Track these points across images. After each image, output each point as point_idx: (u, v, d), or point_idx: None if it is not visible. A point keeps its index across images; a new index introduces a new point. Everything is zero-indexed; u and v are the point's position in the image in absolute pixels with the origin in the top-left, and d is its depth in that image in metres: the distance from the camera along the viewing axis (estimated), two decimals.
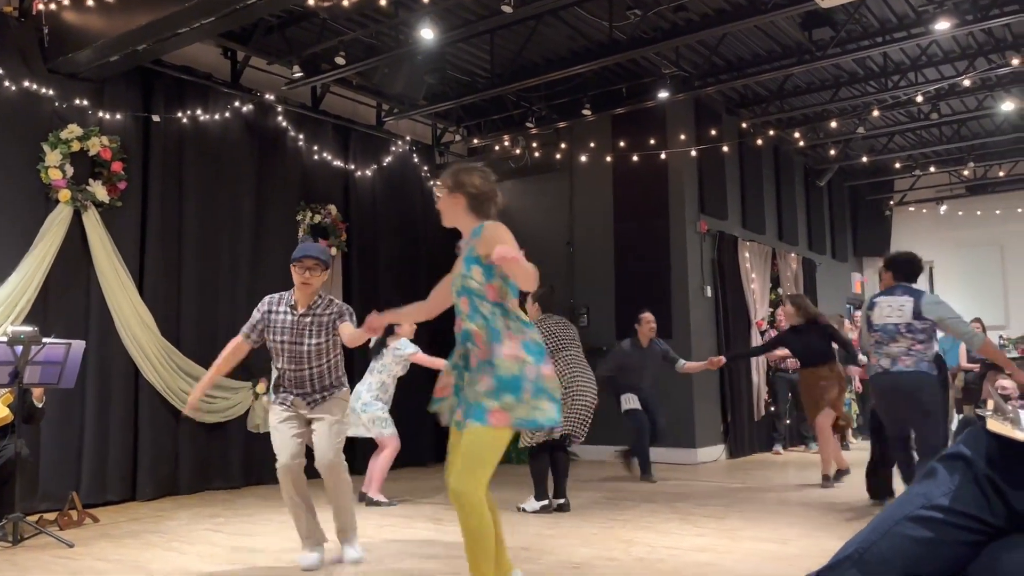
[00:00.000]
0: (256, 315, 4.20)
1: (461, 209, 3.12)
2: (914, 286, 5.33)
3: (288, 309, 4.15)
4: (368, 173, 8.89)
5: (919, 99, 9.08)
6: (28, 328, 4.96)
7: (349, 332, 4.07)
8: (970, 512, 1.46)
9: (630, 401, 7.49)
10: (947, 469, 1.51)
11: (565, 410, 5.61)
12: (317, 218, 8.22)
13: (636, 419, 7.46)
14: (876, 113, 9.39)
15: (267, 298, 4.24)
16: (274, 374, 4.32)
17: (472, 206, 3.10)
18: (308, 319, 4.11)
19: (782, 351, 9.41)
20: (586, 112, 8.57)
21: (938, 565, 1.46)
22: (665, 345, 7.84)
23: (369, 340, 4.93)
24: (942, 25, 6.87)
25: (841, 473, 6.99)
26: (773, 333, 9.85)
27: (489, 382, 2.86)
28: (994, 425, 1.47)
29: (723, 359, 7.64)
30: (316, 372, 4.14)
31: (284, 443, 4.06)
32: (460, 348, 3.06)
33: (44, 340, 4.86)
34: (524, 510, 5.73)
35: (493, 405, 2.82)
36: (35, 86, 6.23)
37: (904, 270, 5.38)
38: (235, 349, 4.23)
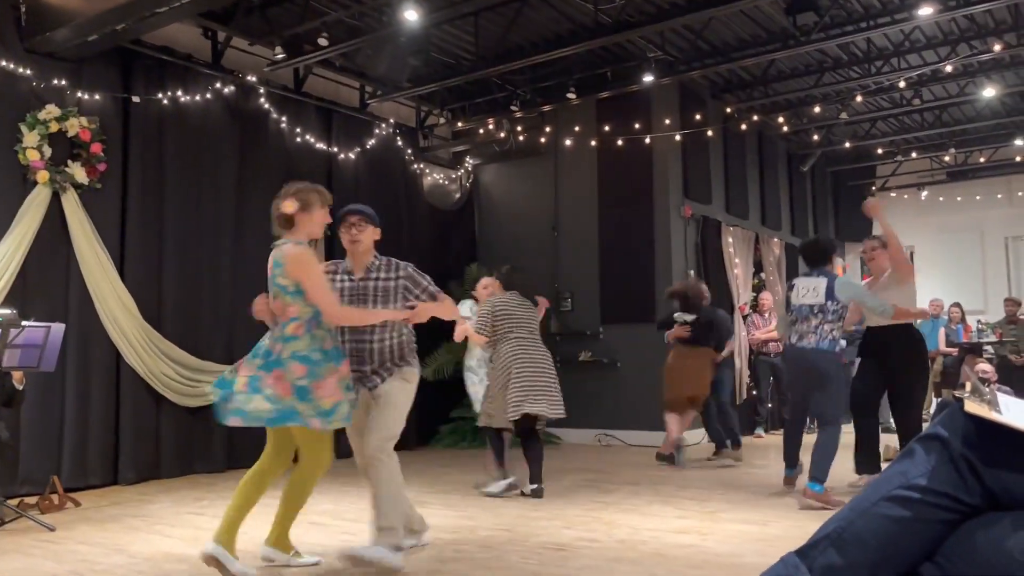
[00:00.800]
0: (326, 278, 3.74)
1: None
2: (828, 269, 5.61)
3: (345, 276, 3.83)
4: (351, 156, 8.84)
5: (901, 85, 9.13)
6: (7, 311, 4.92)
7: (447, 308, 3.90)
8: (946, 491, 1.48)
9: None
10: (924, 449, 1.53)
11: (502, 396, 5.60)
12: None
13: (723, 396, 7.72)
14: (859, 99, 9.43)
15: (330, 264, 3.92)
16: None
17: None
18: (370, 283, 3.79)
19: (765, 334, 9.50)
20: (571, 96, 8.55)
21: (914, 543, 1.49)
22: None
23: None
24: (925, 10, 6.90)
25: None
26: (756, 317, 9.93)
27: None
28: (971, 406, 1.49)
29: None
30: (378, 346, 3.75)
31: (354, 441, 3.85)
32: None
33: (23, 323, 4.81)
34: (489, 493, 5.74)
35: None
36: (12, 65, 6.14)
37: (810, 256, 5.75)
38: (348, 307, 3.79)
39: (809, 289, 5.45)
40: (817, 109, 9.83)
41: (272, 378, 3.42)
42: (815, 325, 5.36)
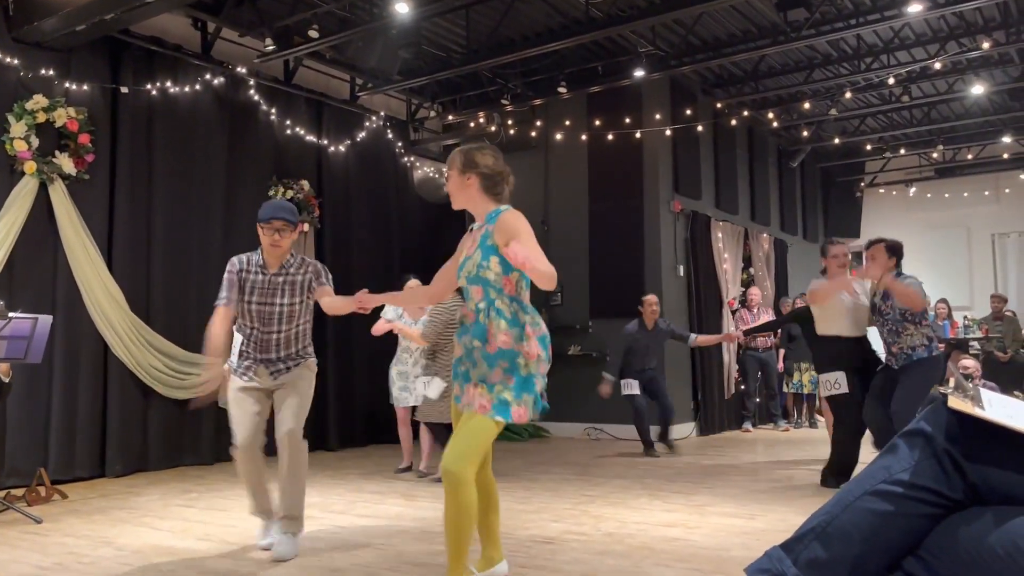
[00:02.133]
0: (229, 277, 3.91)
1: (474, 191, 3.04)
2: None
3: (258, 269, 3.93)
4: (341, 148, 8.82)
5: (891, 81, 9.17)
6: None
7: (330, 300, 3.91)
8: (929, 486, 1.50)
9: (630, 387, 7.71)
10: (908, 445, 1.55)
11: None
12: (289, 193, 8.13)
13: (635, 403, 7.70)
14: (848, 95, 9.45)
15: (235, 259, 3.99)
16: (237, 339, 4.08)
17: (485, 187, 3.03)
18: (280, 279, 3.93)
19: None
20: (562, 90, 8.55)
21: (898, 537, 1.50)
22: (670, 324, 8.03)
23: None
24: (915, 7, 6.92)
25: None
26: (744, 312, 9.97)
27: (506, 377, 2.86)
28: (954, 402, 1.51)
29: (740, 334, 8.07)
30: (284, 336, 3.92)
31: (243, 420, 3.82)
32: (467, 338, 2.98)
33: (10, 314, 4.78)
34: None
35: (516, 402, 2.84)
36: (0, 55, 6.09)
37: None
38: (223, 320, 3.86)
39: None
40: (807, 105, 9.87)
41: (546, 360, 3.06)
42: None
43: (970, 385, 1.56)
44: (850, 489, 1.56)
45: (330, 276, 4.06)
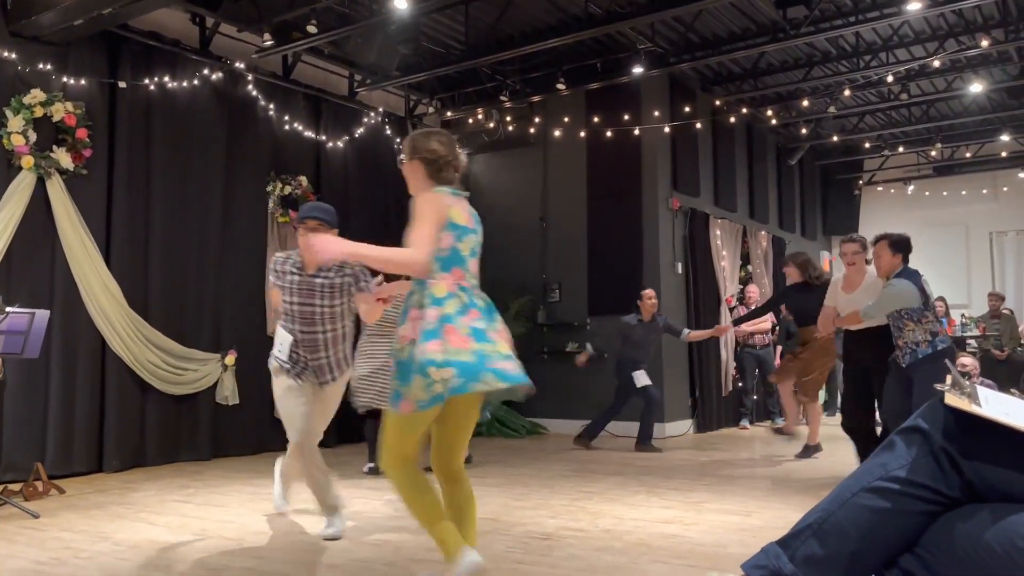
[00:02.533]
0: (272, 277, 4.08)
1: (420, 176, 3.01)
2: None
3: (295, 270, 4.02)
4: (340, 144, 8.80)
5: (889, 79, 9.16)
6: None
7: (365, 307, 3.95)
8: (926, 483, 1.50)
9: (643, 378, 7.78)
10: (905, 442, 1.55)
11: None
12: (288, 189, 8.12)
13: (651, 394, 7.79)
14: (847, 93, 9.46)
15: (276, 256, 4.14)
16: (281, 335, 4.07)
17: (429, 172, 3.00)
18: (318, 280, 3.99)
19: (753, 326, 9.51)
20: (560, 87, 8.54)
21: (894, 534, 1.51)
22: (666, 319, 8.09)
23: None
24: (914, 5, 6.92)
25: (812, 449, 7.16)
26: (742, 310, 9.97)
27: (395, 365, 2.80)
28: (952, 399, 1.51)
29: (729, 326, 8.20)
30: (331, 336, 4.06)
31: (295, 418, 3.96)
32: None
33: (7, 309, 4.78)
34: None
35: (403, 390, 2.72)
36: None
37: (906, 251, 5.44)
38: (278, 296, 4.08)
39: None
40: (805, 103, 9.88)
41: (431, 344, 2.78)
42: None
43: (967, 383, 1.56)
44: (847, 486, 1.56)
45: (371, 281, 4.00)
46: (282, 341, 4.06)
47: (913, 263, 5.41)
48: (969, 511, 1.48)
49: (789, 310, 7.53)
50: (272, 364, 4.11)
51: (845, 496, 1.52)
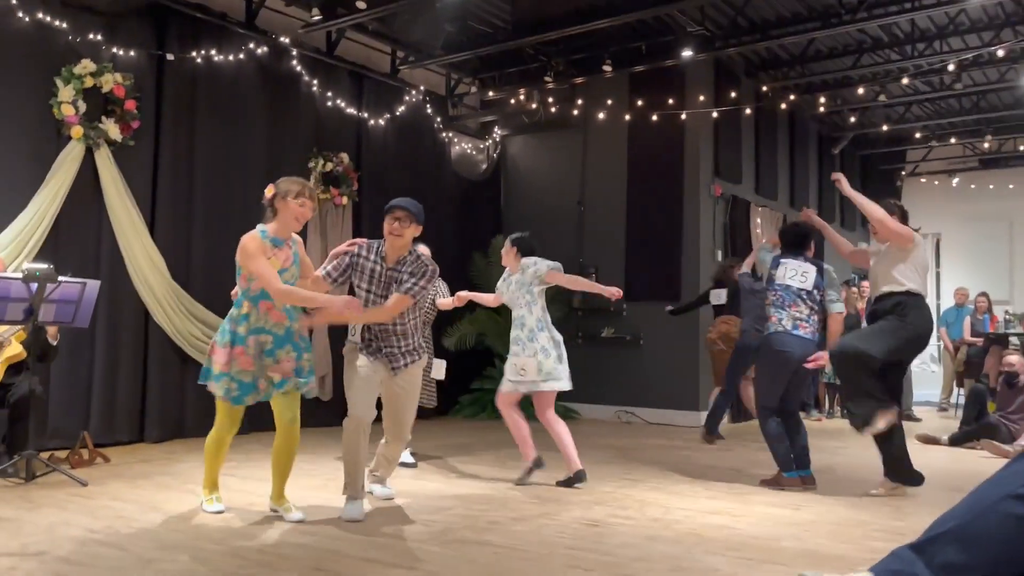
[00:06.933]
0: (346, 259, 4.12)
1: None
2: (808, 254, 5.38)
3: (378, 259, 4.09)
4: (381, 122, 8.76)
5: (951, 67, 8.89)
6: (44, 266, 4.91)
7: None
8: None
9: None
10: None
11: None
12: (329, 166, 8.11)
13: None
14: (905, 80, 9.21)
15: (360, 241, 4.19)
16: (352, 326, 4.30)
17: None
18: (396, 274, 4.07)
19: None
20: (607, 68, 8.42)
21: None
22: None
23: None
24: None
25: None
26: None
27: None
28: None
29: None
30: (400, 328, 4.11)
31: (363, 397, 4.03)
32: None
33: (60, 278, 4.80)
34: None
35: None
36: (48, 19, 6.08)
37: (791, 240, 5.40)
38: (316, 284, 4.12)
39: (798, 272, 5.21)
40: (861, 90, 9.66)
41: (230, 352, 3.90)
42: (807, 314, 5.13)
43: None
44: (985, 492, 1.49)
45: (444, 287, 4.40)
46: (353, 325, 4.11)
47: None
48: None
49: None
50: (347, 346, 4.21)
51: (985, 503, 1.46)
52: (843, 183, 5.34)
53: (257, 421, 7.28)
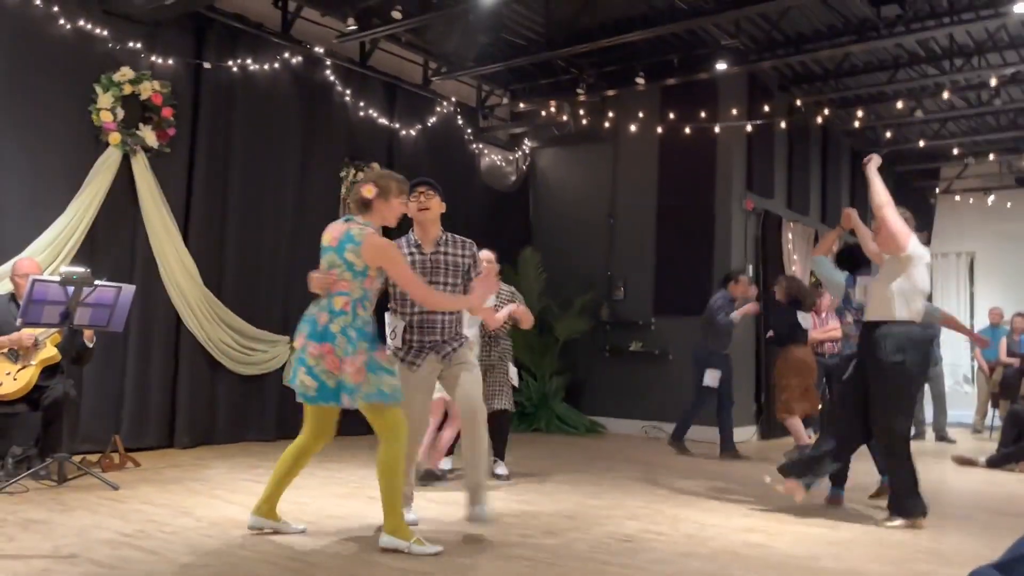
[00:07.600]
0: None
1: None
2: None
3: (415, 249, 4.00)
4: (412, 133, 8.78)
5: (993, 82, 8.75)
6: (81, 269, 4.95)
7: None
8: None
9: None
10: None
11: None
12: (361, 175, 8.14)
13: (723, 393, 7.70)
14: (947, 95, 9.07)
15: (399, 240, 4.02)
16: (390, 327, 4.03)
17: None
18: (440, 256, 4.00)
19: (824, 333, 9.21)
20: (640, 81, 8.39)
21: None
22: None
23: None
24: (1020, 7, 6.62)
25: None
26: (812, 316, 9.68)
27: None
28: None
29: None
30: (449, 316, 3.99)
31: (416, 414, 3.89)
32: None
33: (96, 283, 4.84)
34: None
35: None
36: (89, 26, 6.16)
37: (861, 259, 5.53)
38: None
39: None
40: (900, 104, 9.51)
41: (321, 350, 3.52)
42: None
43: None
44: None
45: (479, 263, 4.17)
46: (393, 327, 4.00)
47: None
48: None
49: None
50: (386, 351, 3.97)
51: None
52: (872, 164, 4.86)
53: (291, 428, 7.33)
